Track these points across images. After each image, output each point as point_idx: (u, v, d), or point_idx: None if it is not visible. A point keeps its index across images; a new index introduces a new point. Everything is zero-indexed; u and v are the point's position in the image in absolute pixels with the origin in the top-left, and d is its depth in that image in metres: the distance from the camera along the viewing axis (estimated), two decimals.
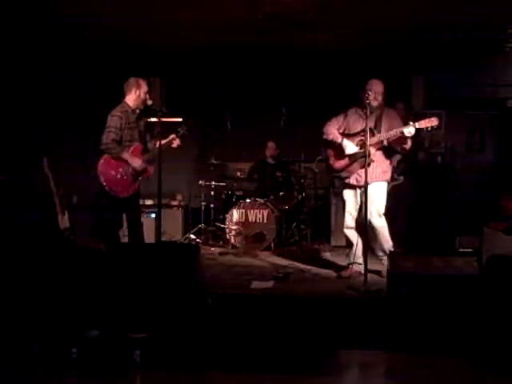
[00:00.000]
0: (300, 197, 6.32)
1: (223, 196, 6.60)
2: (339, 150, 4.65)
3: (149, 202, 6.64)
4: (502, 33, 6.04)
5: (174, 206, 6.88)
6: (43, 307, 3.50)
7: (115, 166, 4.56)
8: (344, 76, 6.77)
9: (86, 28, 6.03)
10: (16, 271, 3.66)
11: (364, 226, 4.43)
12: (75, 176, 6.03)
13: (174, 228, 6.61)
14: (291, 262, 5.40)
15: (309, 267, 5.16)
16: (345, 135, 4.66)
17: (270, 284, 4.39)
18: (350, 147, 4.58)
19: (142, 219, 6.41)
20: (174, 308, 3.46)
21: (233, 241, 6.14)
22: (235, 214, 6.19)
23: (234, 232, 6.14)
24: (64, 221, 5.73)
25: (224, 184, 6.83)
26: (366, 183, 4.21)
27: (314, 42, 6.38)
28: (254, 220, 6.17)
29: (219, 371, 3.07)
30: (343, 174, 4.68)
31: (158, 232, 5.08)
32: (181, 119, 6.78)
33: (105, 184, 4.56)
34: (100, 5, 5.33)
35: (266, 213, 6.17)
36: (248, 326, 3.53)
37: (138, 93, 4.63)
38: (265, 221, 6.15)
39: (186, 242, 6.43)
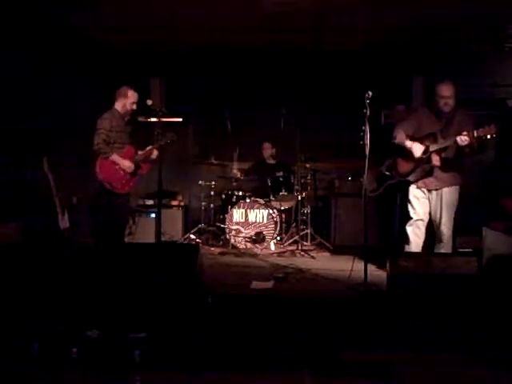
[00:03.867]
0: (300, 197, 6.32)
1: (223, 196, 6.60)
2: (406, 154, 4.64)
3: (149, 202, 6.64)
4: (501, 33, 6.04)
5: (174, 206, 6.87)
6: (43, 307, 3.50)
7: (111, 164, 4.85)
8: (344, 76, 6.78)
9: (86, 28, 6.04)
10: (16, 271, 3.66)
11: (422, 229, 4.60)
12: (75, 176, 6.03)
13: (174, 228, 6.60)
14: (291, 262, 5.40)
15: (309, 267, 5.15)
16: (412, 138, 4.64)
17: (270, 284, 4.39)
18: (417, 150, 4.55)
19: (142, 219, 6.46)
20: (174, 308, 3.46)
21: (233, 241, 6.14)
22: (235, 214, 6.19)
23: (233, 232, 6.14)
24: (64, 221, 5.75)
25: (224, 184, 6.84)
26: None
27: (315, 41, 6.38)
28: (254, 220, 6.17)
29: (219, 371, 3.07)
30: (411, 178, 4.66)
31: (158, 232, 5.09)
32: (181, 119, 6.82)
33: (105, 182, 4.81)
34: (100, 5, 5.33)
35: (265, 213, 6.17)
36: (248, 326, 3.53)
37: (124, 103, 4.93)
38: (265, 221, 6.15)
39: (186, 242, 6.42)
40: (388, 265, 3.83)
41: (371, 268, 4.35)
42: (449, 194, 4.58)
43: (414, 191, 4.71)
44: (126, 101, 4.92)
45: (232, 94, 7.05)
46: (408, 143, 4.61)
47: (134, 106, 4.97)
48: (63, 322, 3.39)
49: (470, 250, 5.09)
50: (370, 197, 4.88)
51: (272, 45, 6.49)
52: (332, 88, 6.91)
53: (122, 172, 4.88)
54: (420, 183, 4.64)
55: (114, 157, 4.84)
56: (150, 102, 4.89)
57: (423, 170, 4.58)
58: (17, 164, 6.23)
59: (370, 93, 4.29)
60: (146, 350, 3.16)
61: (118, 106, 4.95)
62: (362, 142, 4.37)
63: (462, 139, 4.23)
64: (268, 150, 6.97)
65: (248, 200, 6.26)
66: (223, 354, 3.24)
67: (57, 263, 3.72)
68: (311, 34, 6.14)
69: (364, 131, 4.32)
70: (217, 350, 3.26)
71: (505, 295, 3.53)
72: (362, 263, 4.29)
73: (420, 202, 4.67)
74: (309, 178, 6.53)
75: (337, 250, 6.09)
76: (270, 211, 6.17)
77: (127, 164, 4.88)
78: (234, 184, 6.71)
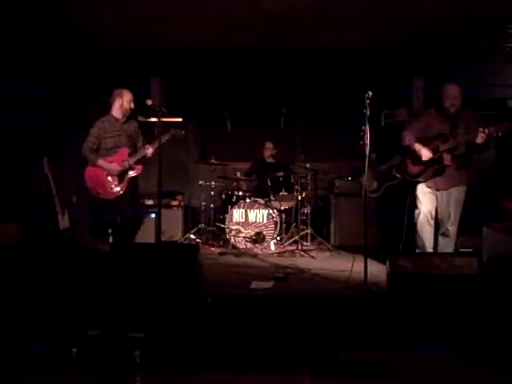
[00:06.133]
0: (300, 197, 6.32)
1: (223, 196, 6.60)
2: (415, 156, 4.68)
3: (149, 202, 6.64)
4: (501, 33, 6.04)
5: (174, 206, 6.88)
6: (43, 307, 3.50)
7: (98, 170, 4.90)
8: (344, 76, 6.78)
9: (86, 28, 6.03)
10: (16, 271, 3.67)
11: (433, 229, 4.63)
12: (75, 176, 6.03)
13: (174, 228, 6.61)
14: (291, 262, 5.40)
15: (309, 267, 5.15)
16: (421, 140, 4.67)
17: (270, 284, 4.39)
18: (425, 154, 4.60)
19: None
20: (174, 308, 3.46)
21: (233, 241, 6.14)
22: (235, 214, 6.19)
23: (233, 232, 6.14)
24: (64, 221, 5.76)
25: (224, 184, 6.84)
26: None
27: (315, 41, 6.38)
28: (254, 220, 6.17)
29: (219, 371, 3.07)
30: (420, 178, 4.70)
31: (158, 232, 5.09)
32: (181, 119, 6.82)
33: (92, 190, 4.91)
34: (100, 5, 5.33)
35: (265, 213, 6.17)
36: (248, 326, 3.53)
37: (120, 102, 4.96)
38: (265, 221, 6.15)
39: (186, 242, 6.42)
40: (388, 265, 3.83)
41: (371, 268, 4.34)
42: (457, 193, 4.64)
43: (421, 187, 4.73)
44: (123, 99, 4.94)
45: (232, 94, 7.05)
46: (417, 146, 4.65)
47: (132, 104, 4.98)
48: (63, 322, 3.39)
49: (470, 249, 5.09)
50: (370, 197, 4.88)
51: (272, 45, 6.48)
52: (332, 88, 6.90)
53: (109, 177, 4.89)
54: (429, 183, 4.68)
55: (100, 162, 4.89)
56: (149, 102, 4.87)
57: (433, 170, 4.62)
58: (17, 164, 6.23)
59: (370, 93, 4.28)
60: (145, 350, 3.16)
61: (115, 108, 4.99)
62: (362, 142, 4.37)
63: (483, 135, 4.28)
64: (269, 150, 6.98)
65: (248, 200, 6.25)
66: (223, 353, 3.24)
67: (57, 263, 3.72)
68: (311, 34, 6.13)
69: (364, 131, 4.33)
70: (217, 350, 3.26)
71: (505, 295, 3.54)
72: (362, 263, 4.29)
73: (427, 197, 4.70)
74: (309, 178, 6.53)
75: (337, 250, 6.09)
76: (270, 211, 6.17)
77: (113, 167, 4.89)
78: (234, 184, 6.72)
